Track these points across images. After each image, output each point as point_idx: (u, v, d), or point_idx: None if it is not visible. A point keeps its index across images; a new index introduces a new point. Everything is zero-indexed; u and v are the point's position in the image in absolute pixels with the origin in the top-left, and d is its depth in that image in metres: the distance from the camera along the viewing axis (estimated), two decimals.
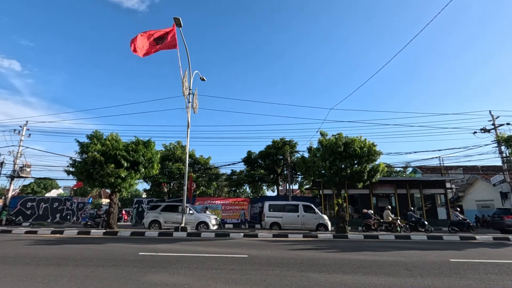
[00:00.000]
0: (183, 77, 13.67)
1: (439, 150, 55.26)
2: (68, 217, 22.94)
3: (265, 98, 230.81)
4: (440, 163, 27.55)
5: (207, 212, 16.83)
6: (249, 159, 26.98)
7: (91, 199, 28.62)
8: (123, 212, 30.68)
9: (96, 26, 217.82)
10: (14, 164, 22.45)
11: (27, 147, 23.56)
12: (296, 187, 33.55)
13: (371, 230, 14.58)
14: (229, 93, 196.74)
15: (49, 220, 22.31)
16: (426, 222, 15.12)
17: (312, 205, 15.94)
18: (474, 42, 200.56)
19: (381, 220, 15.10)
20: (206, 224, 14.72)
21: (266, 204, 15.88)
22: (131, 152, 14.05)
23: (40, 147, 64.36)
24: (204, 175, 28.98)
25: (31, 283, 4.15)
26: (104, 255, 6.66)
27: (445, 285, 4.22)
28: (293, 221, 15.14)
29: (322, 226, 14.96)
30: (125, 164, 13.78)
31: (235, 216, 22.09)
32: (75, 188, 42.30)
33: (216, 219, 15.78)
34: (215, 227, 15.10)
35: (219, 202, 22.84)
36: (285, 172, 25.39)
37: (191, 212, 15.12)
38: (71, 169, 14.26)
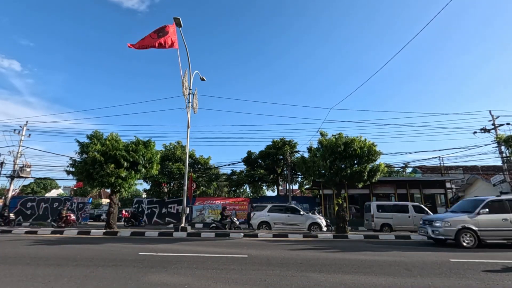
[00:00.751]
0: (183, 77, 13.67)
1: (439, 150, 55.34)
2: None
3: (265, 98, 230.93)
4: (440, 163, 27.56)
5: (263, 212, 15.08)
6: (249, 159, 26.98)
7: (91, 199, 28.65)
8: (124, 212, 30.69)
9: (96, 26, 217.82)
10: (14, 164, 22.46)
11: (27, 147, 23.59)
12: (296, 187, 33.58)
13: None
14: (229, 93, 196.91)
15: (49, 220, 22.31)
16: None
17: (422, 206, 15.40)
18: (475, 43, 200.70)
19: None
20: (318, 225, 14.16)
21: (374, 204, 15.48)
22: (131, 152, 14.05)
23: (40, 147, 64.41)
24: (204, 175, 28.98)
25: (31, 283, 4.15)
26: (104, 255, 6.66)
27: (445, 285, 4.22)
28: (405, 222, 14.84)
29: None
30: (125, 164, 13.78)
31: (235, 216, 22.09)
32: (75, 188, 42.30)
33: (326, 220, 15.34)
34: (325, 228, 14.51)
35: (219, 202, 22.85)
36: (285, 172, 25.40)
37: (301, 213, 14.65)
38: (71, 169, 14.27)
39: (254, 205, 15.84)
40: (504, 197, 9.52)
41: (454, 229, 8.56)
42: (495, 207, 8.83)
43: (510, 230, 8.51)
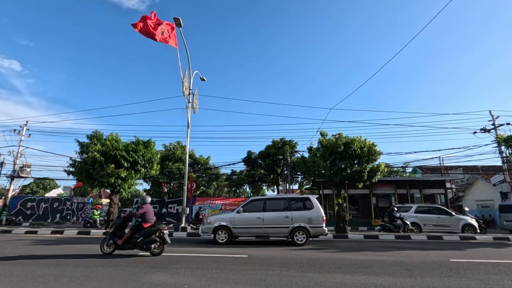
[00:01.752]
0: (183, 77, 13.67)
1: (439, 150, 55.38)
2: (68, 217, 22.93)
3: (265, 98, 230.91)
4: (440, 163, 27.58)
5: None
6: (249, 159, 26.99)
7: (91, 199, 28.60)
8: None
9: (96, 26, 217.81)
10: (14, 164, 22.45)
11: (27, 147, 23.60)
12: (296, 187, 33.56)
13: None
14: (229, 93, 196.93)
15: (49, 220, 22.30)
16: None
17: None
18: (475, 43, 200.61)
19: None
20: (472, 227, 13.31)
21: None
22: (131, 153, 14.05)
23: (40, 147, 64.41)
24: (204, 175, 28.98)
25: (31, 283, 4.15)
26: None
27: (445, 285, 4.22)
28: None
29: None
30: (125, 164, 13.77)
31: None
32: (75, 188, 42.28)
33: (478, 220, 14.63)
34: (479, 230, 13.81)
35: (219, 202, 22.85)
36: (285, 172, 25.40)
37: (453, 213, 14.03)
38: (71, 169, 14.27)
39: (396, 206, 14.47)
40: (265, 196, 10.36)
41: (212, 227, 9.23)
42: (253, 206, 9.51)
43: (260, 228, 9.13)
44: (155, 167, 15.02)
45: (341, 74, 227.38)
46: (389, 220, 13.39)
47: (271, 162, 25.95)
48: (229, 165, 34.20)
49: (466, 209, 16.31)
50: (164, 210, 22.74)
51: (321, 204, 21.58)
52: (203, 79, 15.75)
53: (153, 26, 12.46)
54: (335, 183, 13.75)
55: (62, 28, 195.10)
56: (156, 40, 12.57)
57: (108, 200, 21.51)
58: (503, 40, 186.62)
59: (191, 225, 14.75)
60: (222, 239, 9.01)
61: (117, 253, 6.94)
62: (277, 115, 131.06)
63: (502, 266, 5.68)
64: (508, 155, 18.87)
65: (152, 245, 6.54)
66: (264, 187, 32.33)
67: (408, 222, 13.23)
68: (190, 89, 14.45)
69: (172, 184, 27.02)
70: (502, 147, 19.24)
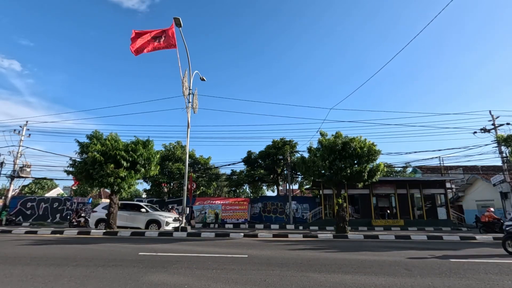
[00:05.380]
0: (183, 77, 13.67)
1: (439, 150, 55.33)
2: (68, 217, 22.94)
3: (265, 98, 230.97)
4: (440, 163, 27.59)
5: None
6: (249, 159, 27.00)
7: (91, 199, 28.61)
8: None
9: (96, 26, 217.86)
10: (14, 164, 22.45)
11: (27, 147, 23.59)
12: (296, 187, 33.57)
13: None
14: (229, 93, 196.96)
15: (49, 220, 22.33)
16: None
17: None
18: (476, 42, 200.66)
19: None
20: None
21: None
22: (130, 152, 14.04)
23: (40, 147, 64.40)
24: (204, 175, 28.98)
25: (31, 283, 4.15)
26: (104, 255, 6.66)
27: (445, 285, 4.22)
28: None
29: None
30: (125, 164, 13.76)
31: (235, 216, 22.09)
32: (74, 187, 42.27)
33: None
34: None
35: (219, 202, 22.86)
36: (285, 172, 25.41)
37: None
38: (71, 169, 14.26)
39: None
40: None
41: None
42: None
43: None
44: (152, 168, 14.97)
45: (341, 74, 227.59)
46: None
47: (271, 162, 25.96)
48: (229, 165, 34.24)
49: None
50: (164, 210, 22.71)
51: (321, 204, 21.74)
52: (203, 79, 15.75)
53: (146, 38, 12.60)
54: (335, 183, 13.76)
55: (62, 28, 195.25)
56: (154, 50, 12.72)
57: (108, 200, 21.53)
58: (503, 39, 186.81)
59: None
60: None
61: (117, 253, 6.94)
62: (277, 115, 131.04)
63: (502, 266, 5.67)
64: (508, 155, 18.87)
65: None
66: (264, 187, 32.35)
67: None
68: (190, 89, 14.45)
69: (172, 184, 27.04)
70: (502, 147, 19.25)
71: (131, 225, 14.16)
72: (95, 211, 14.83)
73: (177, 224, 13.92)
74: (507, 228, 7.41)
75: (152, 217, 14.23)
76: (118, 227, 13.90)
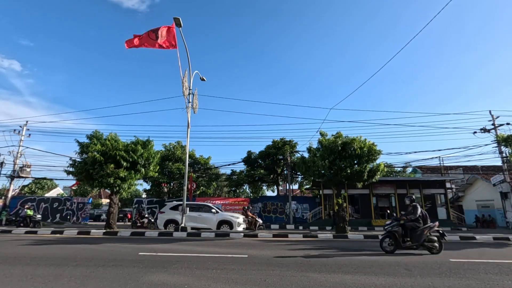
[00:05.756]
0: (183, 77, 13.67)
1: (439, 150, 55.33)
2: (68, 217, 22.97)
3: (265, 98, 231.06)
4: (440, 163, 27.59)
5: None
6: (249, 159, 27.00)
7: (91, 199, 28.63)
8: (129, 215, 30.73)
9: (96, 26, 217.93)
10: (14, 164, 22.45)
11: (27, 147, 23.59)
12: (296, 187, 33.58)
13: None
14: (229, 93, 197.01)
15: (49, 220, 22.32)
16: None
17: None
18: (476, 42, 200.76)
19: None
20: None
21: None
22: (130, 153, 14.04)
23: (40, 147, 64.41)
24: (204, 175, 28.99)
25: (31, 283, 4.15)
26: (104, 255, 6.66)
27: (445, 285, 4.22)
28: None
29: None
30: (125, 165, 13.77)
31: None
32: (73, 187, 42.31)
33: None
34: None
35: (219, 202, 22.86)
36: (285, 172, 25.41)
37: None
38: (71, 169, 14.26)
39: None
40: None
41: None
42: None
43: None
44: (152, 168, 14.96)
45: (341, 74, 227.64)
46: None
47: (271, 162, 25.96)
48: (229, 165, 34.22)
49: None
50: None
51: (321, 204, 21.74)
52: (203, 79, 15.75)
53: (148, 37, 12.57)
54: (335, 183, 13.76)
55: (62, 28, 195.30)
56: (154, 46, 12.66)
57: (108, 200, 21.53)
58: (503, 39, 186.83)
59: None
60: None
61: (117, 253, 6.94)
62: (277, 115, 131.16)
63: (502, 266, 5.67)
64: (508, 155, 18.87)
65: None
66: (264, 187, 32.35)
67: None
68: (190, 89, 14.45)
69: (172, 184, 27.04)
70: (502, 147, 19.24)
71: (201, 226, 13.69)
72: (163, 212, 14.41)
73: (245, 225, 13.71)
74: (386, 227, 7.60)
75: (223, 217, 13.84)
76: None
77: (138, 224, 17.53)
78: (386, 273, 4.96)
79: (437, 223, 7.72)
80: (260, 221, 15.07)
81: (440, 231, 7.37)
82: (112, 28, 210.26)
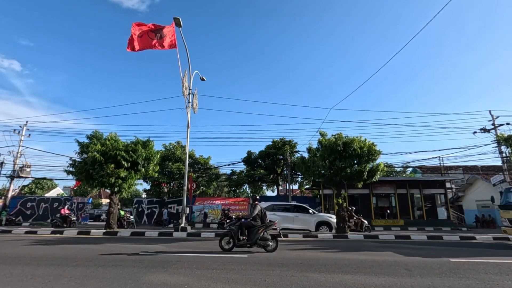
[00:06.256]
0: (183, 77, 13.67)
1: (439, 150, 55.35)
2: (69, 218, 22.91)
3: (265, 98, 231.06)
4: (440, 163, 27.60)
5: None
6: (249, 159, 26.99)
7: (91, 199, 28.63)
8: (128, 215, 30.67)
9: (96, 26, 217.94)
10: (14, 164, 22.45)
11: (27, 147, 23.60)
12: (296, 187, 33.55)
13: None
14: (229, 93, 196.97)
15: (49, 220, 22.30)
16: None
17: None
18: (476, 42, 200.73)
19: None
20: None
21: None
22: (130, 153, 14.03)
23: (40, 147, 64.40)
24: (204, 175, 28.98)
25: (31, 283, 4.14)
26: (104, 255, 6.65)
27: (445, 285, 4.22)
28: None
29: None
30: (125, 164, 13.76)
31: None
32: (75, 188, 42.32)
33: None
34: None
35: (219, 202, 22.85)
36: (285, 172, 25.40)
37: None
38: (71, 169, 14.26)
39: None
40: None
41: None
42: None
43: None
44: (151, 168, 14.95)
45: (341, 74, 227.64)
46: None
47: (271, 162, 25.95)
48: (229, 165, 34.22)
49: None
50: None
51: (321, 204, 21.73)
52: (203, 79, 15.75)
53: (143, 34, 12.52)
54: (334, 183, 13.75)
55: (62, 28, 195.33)
56: (153, 47, 12.65)
57: (108, 200, 21.53)
58: (503, 39, 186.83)
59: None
60: None
61: (117, 253, 6.94)
62: (277, 115, 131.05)
63: (502, 266, 5.67)
64: (508, 155, 18.87)
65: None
66: (264, 187, 32.33)
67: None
68: (190, 89, 14.45)
69: (172, 184, 27.04)
70: (502, 147, 19.24)
71: (299, 227, 13.41)
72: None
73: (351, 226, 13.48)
74: (225, 226, 7.66)
75: (322, 218, 13.62)
76: (283, 229, 13.03)
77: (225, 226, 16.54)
78: (386, 273, 4.96)
79: (275, 222, 7.99)
80: (366, 222, 15.04)
81: (278, 231, 7.58)
82: (112, 28, 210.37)
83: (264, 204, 14.37)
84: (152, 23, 13.11)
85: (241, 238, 7.41)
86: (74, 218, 17.28)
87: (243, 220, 7.64)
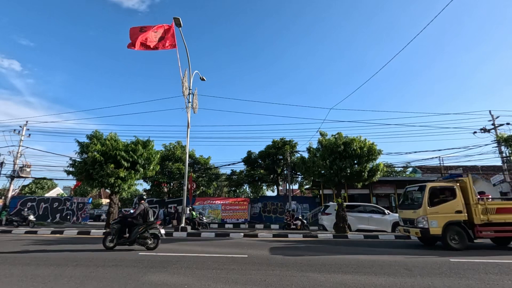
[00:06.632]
0: (183, 77, 13.67)
1: (439, 150, 55.20)
2: (68, 217, 22.93)
3: (265, 98, 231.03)
4: (440, 163, 27.55)
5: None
6: (249, 159, 26.97)
7: (91, 199, 28.59)
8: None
9: (96, 26, 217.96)
10: (14, 164, 22.43)
11: (27, 147, 23.57)
12: (296, 187, 33.55)
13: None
14: (229, 93, 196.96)
15: (49, 220, 22.30)
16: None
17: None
18: (476, 42, 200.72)
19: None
20: None
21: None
22: (130, 153, 14.02)
23: (40, 147, 64.42)
24: (204, 175, 28.97)
25: (31, 283, 4.15)
26: (104, 255, 6.66)
27: (445, 285, 4.22)
28: None
29: None
30: (125, 164, 13.75)
31: (235, 216, 22.07)
32: (75, 188, 42.29)
33: None
34: None
35: (219, 202, 22.83)
36: (285, 172, 25.38)
37: None
38: (71, 169, 14.25)
39: None
40: None
41: None
42: None
43: None
44: (151, 167, 14.94)
45: (341, 74, 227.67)
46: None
47: (271, 162, 25.93)
48: (229, 165, 34.23)
49: None
50: (164, 210, 22.69)
51: (321, 204, 21.70)
52: (203, 79, 15.75)
53: (145, 35, 12.52)
54: (334, 183, 13.74)
55: (62, 28, 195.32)
56: (154, 48, 12.65)
57: (108, 200, 21.54)
58: (503, 39, 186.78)
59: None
60: None
61: (117, 253, 6.94)
62: (277, 115, 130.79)
63: (502, 266, 5.67)
64: (508, 155, 18.86)
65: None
66: (264, 187, 32.33)
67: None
68: (190, 89, 14.45)
69: (172, 184, 27.02)
70: (502, 147, 19.23)
71: (374, 228, 13.20)
72: (329, 213, 13.95)
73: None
74: (111, 223, 8.04)
75: (396, 219, 13.09)
76: (358, 230, 12.92)
77: (292, 227, 16.36)
78: (386, 273, 4.96)
79: (158, 221, 8.37)
80: (306, 221, 15.46)
81: (160, 230, 7.71)
82: (112, 28, 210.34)
83: (335, 205, 13.96)
84: (151, 25, 13.13)
85: (123, 236, 7.60)
86: (33, 218, 17.54)
87: (129, 219, 7.80)
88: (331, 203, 15.09)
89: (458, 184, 8.91)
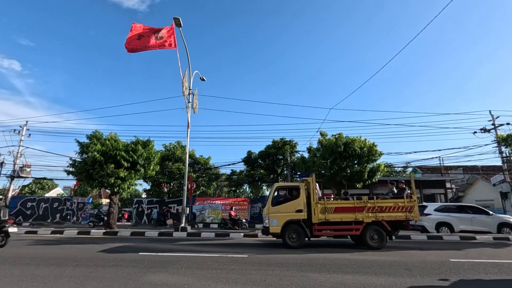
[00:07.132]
0: (183, 77, 13.67)
1: (439, 150, 55.09)
2: (68, 217, 22.94)
3: (265, 98, 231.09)
4: (440, 163, 27.55)
5: None
6: (249, 159, 26.96)
7: (91, 199, 28.59)
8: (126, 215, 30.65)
9: (96, 26, 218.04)
10: (14, 164, 22.44)
11: (27, 147, 23.58)
12: None
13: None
14: (229, 93, 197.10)
15: (49, 220, 22.31)
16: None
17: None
18: (476, 41, 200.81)
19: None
20: None
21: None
22: (130, 153, 14.03)
23: (40, 147, 64.42)
24: (204, 175, 28.96)
25: (31, 283, 4.15)
26: (104, 255, 6.66)
27: (445, 285, 4.22)
28: None
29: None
30: (125, 165, 13.76)
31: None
32: (75, 188, 42.30)
33: None
34: None
35: (219, 202, 22.83)
36: (285, 172, 25.38)
37: None
38: (71, 169, 14.26)
39: None
40: None
41: None
42: None
43: None
44: (151, 167, 14.94)
45: (341, 74, 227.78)
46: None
47: (271, 162, 25.91)
48: (229, 165, 34.18)
49: None
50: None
51: None
52: (203, 79, 15.75)
53: (143, 35, 12.51)
54: (335, 183, 13.76)
55: (62, 28, 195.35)
56: (153, 48, 12.64)
57: (108, 200, 21.53)
58: (503, 39, 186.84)
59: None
60: None
61: (117, 253, 6.94)
62: (277, 115, 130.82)
63: (502, 266, 5.67)
64: (508, 154, 18.85)
65: None
66: (264, 187, 32.32)
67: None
68: (190, 89, 14.45)
69: (172, 184, 27.01)
70: (502, 147, 19.22)
71: (478, 228, 12.64)
72: (429, 214, 13.23)
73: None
74: None
75: (502, 220, 12.82)
76: (461, 231, 12.38)
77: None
78: (386, 273, 4.96)
79: (8, 219, 8.65)
80: (244, 220, 15.52)
81: (7, 229, 8.01)
82: (112, 28, 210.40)
83: (434, 205, 13.60)
84: (152, 26, 13.14)
85: None
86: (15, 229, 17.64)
87: None
88: (431, 203, 14.27)
89: (303, 184, 8.99)
